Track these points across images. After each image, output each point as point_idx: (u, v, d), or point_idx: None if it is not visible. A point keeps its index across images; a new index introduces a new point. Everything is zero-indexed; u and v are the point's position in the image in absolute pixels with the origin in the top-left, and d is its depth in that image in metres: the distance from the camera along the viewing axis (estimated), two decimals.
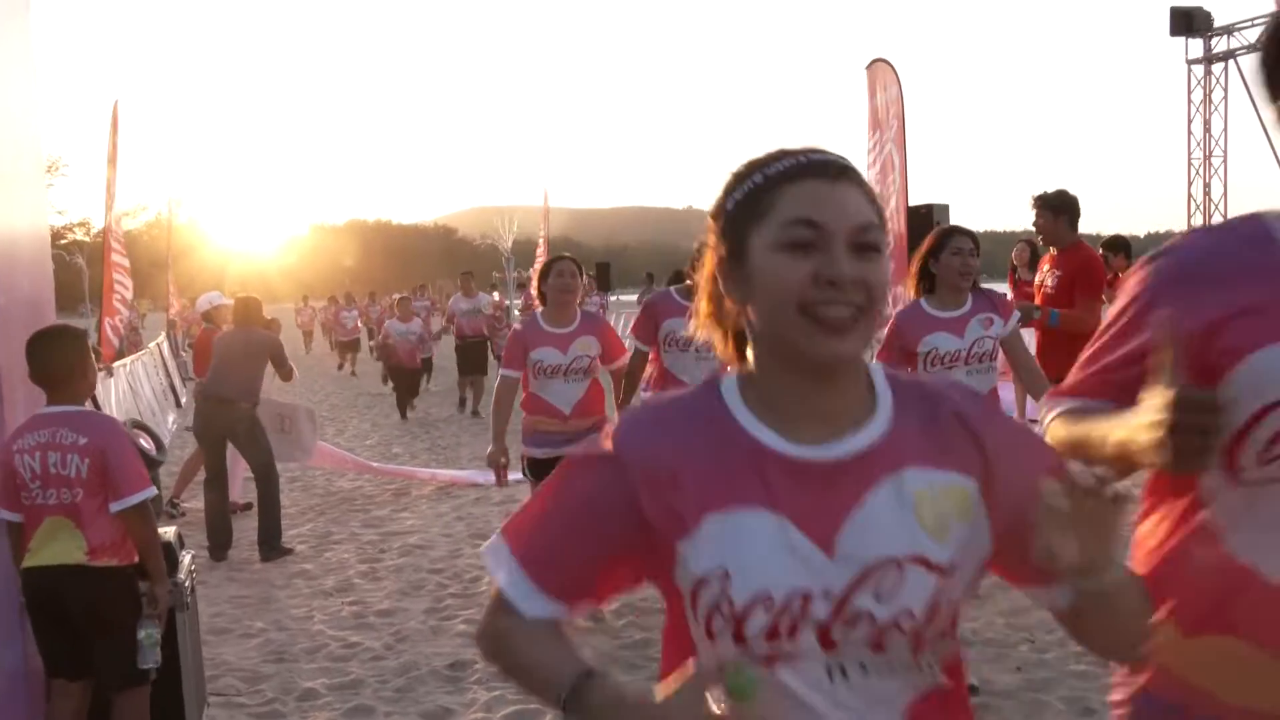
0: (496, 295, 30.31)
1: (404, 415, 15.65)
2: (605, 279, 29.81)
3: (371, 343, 20.51)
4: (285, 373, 8.33)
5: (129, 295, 14.27)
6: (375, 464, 10.79)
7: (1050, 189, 6.88)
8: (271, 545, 7.63)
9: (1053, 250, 6.83)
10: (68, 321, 4.37)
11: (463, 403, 16.00)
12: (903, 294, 14.85)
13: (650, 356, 5.93)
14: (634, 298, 27.96)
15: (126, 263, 13.91)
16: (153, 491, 3.81)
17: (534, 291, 6.18)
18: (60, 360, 3.79)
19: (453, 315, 15.89)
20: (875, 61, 15.47)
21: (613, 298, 27.28)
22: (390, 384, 18.17)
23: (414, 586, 6.70)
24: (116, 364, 12.30)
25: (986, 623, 5.51)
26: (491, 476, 10.18)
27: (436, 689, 4.97)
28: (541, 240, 34.64)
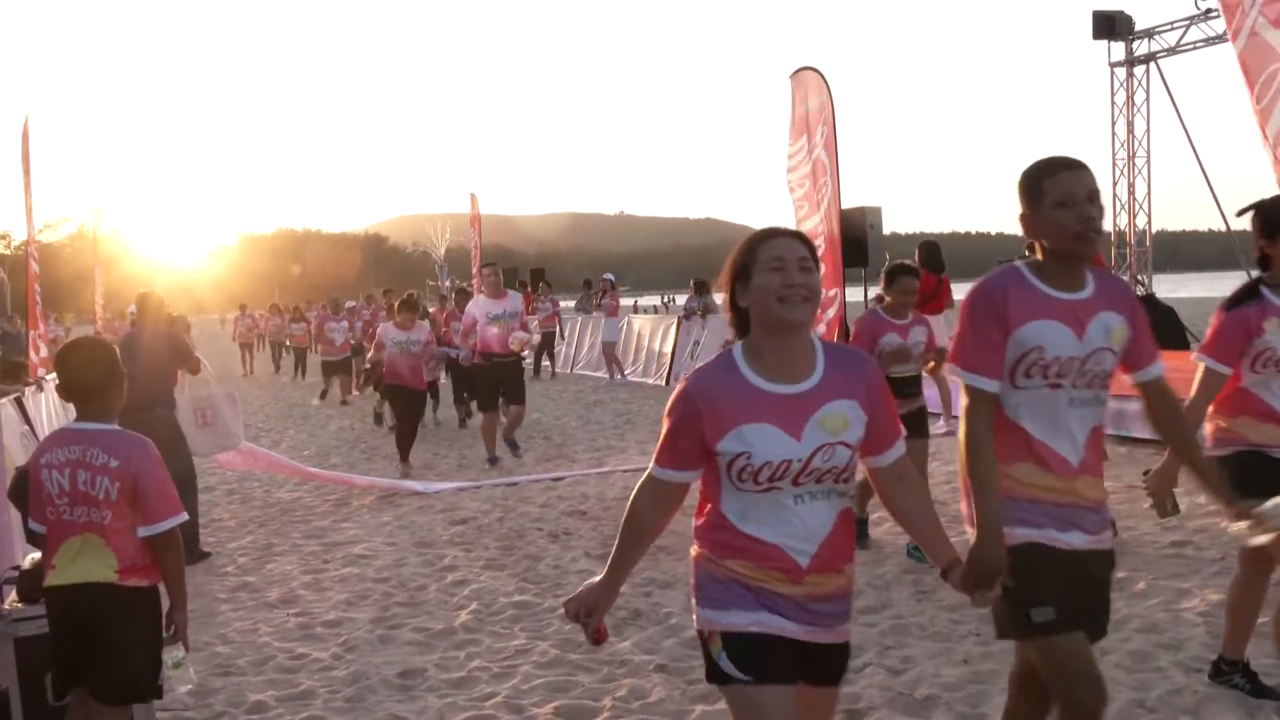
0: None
1: (406, 457, 11.39)
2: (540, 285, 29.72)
3: (364, 366, 14.42)
4: (192, 365, 8.11)
5: (38, 308, 14.18)
6: (313, 469, 10.68)
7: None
8: (190, 549, 7.60)
9: None
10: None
11: (512, 445, 11.53)
12: (836, 294, 14.96)
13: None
14: (571, 304, 27.73)
15: (37, 272, 13.82)
16: (184, 517, 3.73)
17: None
18: (91, 374, 3.73)
19: (472, 325, 11.20)
20: (801, 70, 15.62)
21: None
22: (385, 422, 14.58)
23: (360, 596, 6.67)
24: (48, 377, 12.07)
25: (931, 617, 5.62)
26: (434, 485, 10.24)
27: (388, 698, 4.96)
28: (474, 245, 34.48)
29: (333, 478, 10.47)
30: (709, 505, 2.73)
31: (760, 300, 2.62)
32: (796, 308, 2.59)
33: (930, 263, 12.09)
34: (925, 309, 11.87)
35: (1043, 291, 2.91)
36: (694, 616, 2.76)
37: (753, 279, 2.64)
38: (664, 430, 2.70)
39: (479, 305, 11.12)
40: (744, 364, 2.66)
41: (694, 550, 2.77)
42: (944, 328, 11.82)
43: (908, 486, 2.81)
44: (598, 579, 2.80)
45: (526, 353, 11.85)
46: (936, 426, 11.67)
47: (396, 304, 12.04)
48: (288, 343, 27.86)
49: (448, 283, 35.37)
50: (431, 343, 11.79)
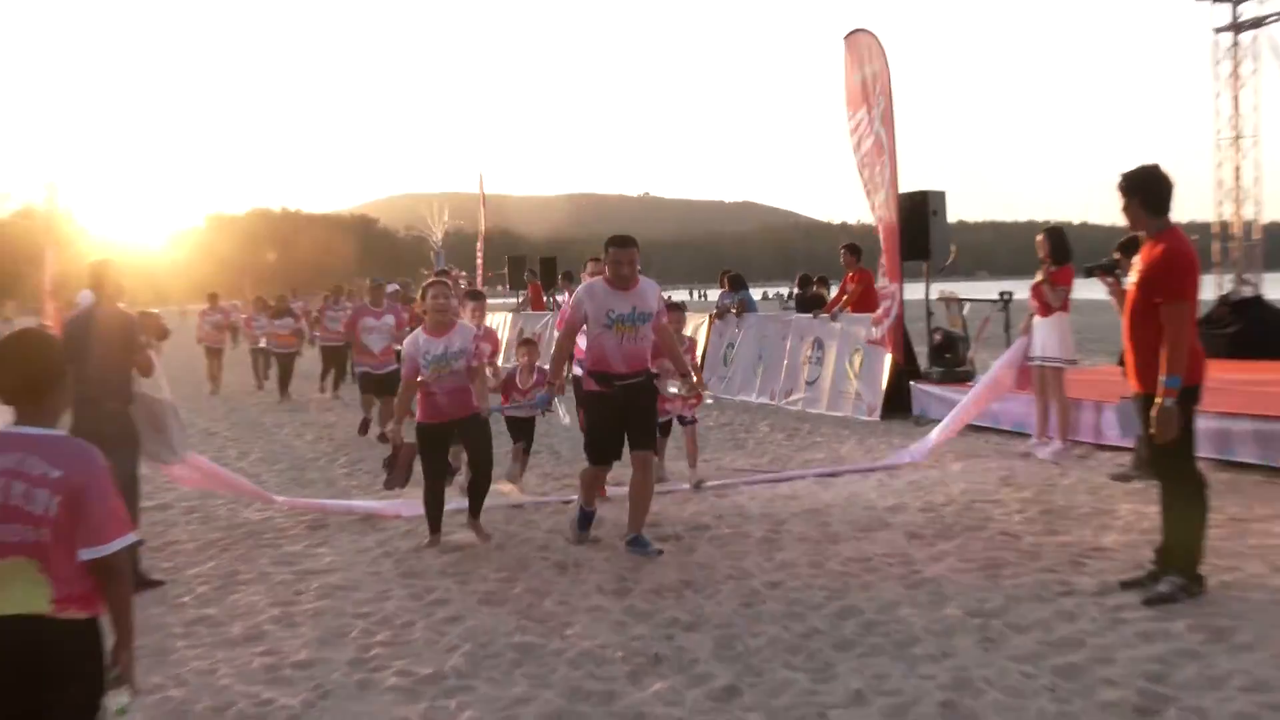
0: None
1: (484, 536, 8.86)
2: (551, 276, 29.64)
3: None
4: (142, 362, 7.89)
5: None
6: (279, 497, 10.60)
7: (1134, 166, 6.56)
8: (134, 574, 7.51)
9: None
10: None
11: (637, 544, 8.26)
12: (895, 291, 14.80)
13: None
14: None
15: None
16: (132, 538, 3.69)
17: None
18: (33, 372, 3.71)
19: (578, 327, 8.38)
20: (855, 32, 15.67)
21: (561, 298, 27.07)
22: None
23: (336, 634, 6.65)
24: None
25: (1000, 670, 5.55)
26: (420, 509, 9.91)
27: None
28: (479, 230, 34.54)
29: (303, 505, 10.44)
30: None
31: None
32: None
33: (1061, 253, 11.57)
34: (1060, 308, 11.55)
35: None
36: None
37: None
38: None
39: (595, 295, 8.14)
40: None
41: None
42: (1067, 330, 11.54)
43: None
44: None
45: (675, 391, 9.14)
46: (1033, 449, 11.57)
47: (421, 289, 9.25)
48: (263, 343, 24.69)
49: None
50: (482, 357, 9.19)
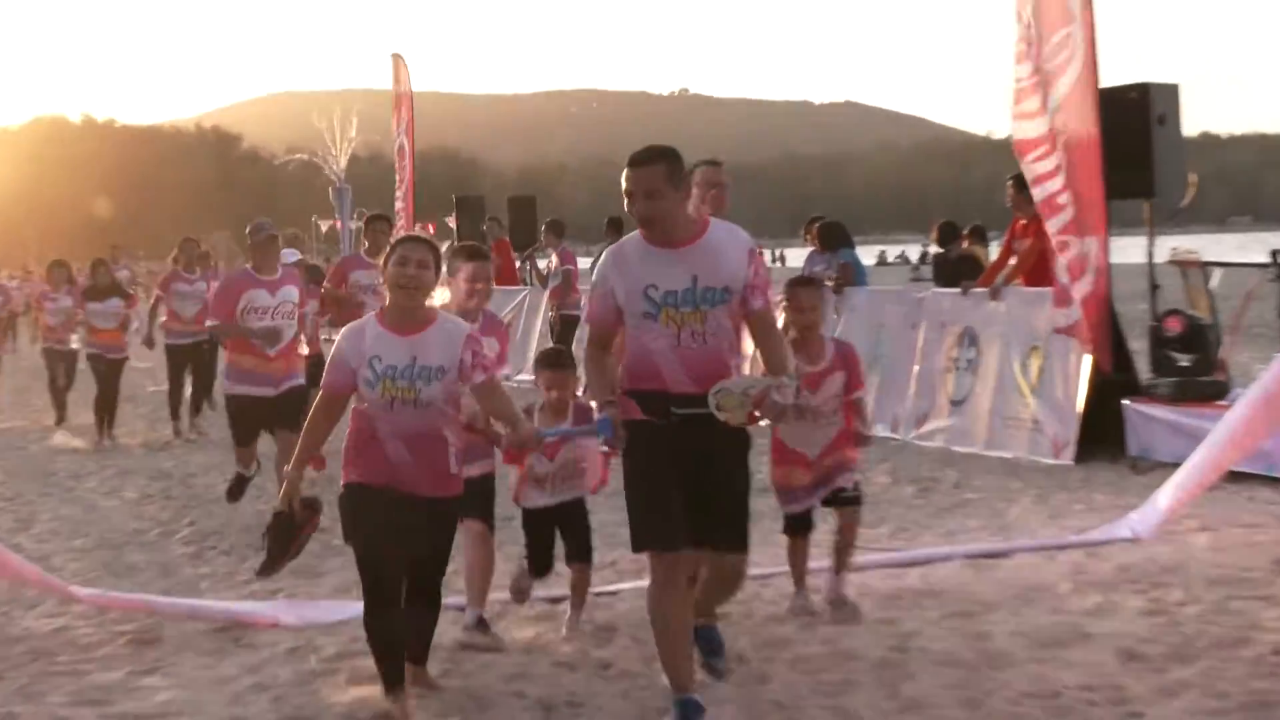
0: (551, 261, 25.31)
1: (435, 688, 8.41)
2: (529, 228, 29.51)
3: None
4: None
5: None
6: (82, 590, 10.56)
7: None
8: None
9: None
10: None
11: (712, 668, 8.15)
12: (1093, 250, 14.79)
13: None
14: (589, 263, 27.68)
15: None
16: None
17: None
18: None
19: (613, 323, 7.52)
20: None
21: (545, 263, 26.84)
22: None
23: None
24: None
25: None
26: (315, 608, 9.82)
27: None
28: (400, 150, 34.21)
29: (123, 604, 10.41)
30: None
31: None
32: None
33: None
34: None
35: None
36: None
37: None
38: None
39: (624, 262, 7.50)
40: None
41: None
42: None
43: None
44: None
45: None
46: None
47: (385, 250, 8.05)
48: (74, 343, 22.70)
49: (354, 219, 35.66)
50: (489, 365, 8.12)
